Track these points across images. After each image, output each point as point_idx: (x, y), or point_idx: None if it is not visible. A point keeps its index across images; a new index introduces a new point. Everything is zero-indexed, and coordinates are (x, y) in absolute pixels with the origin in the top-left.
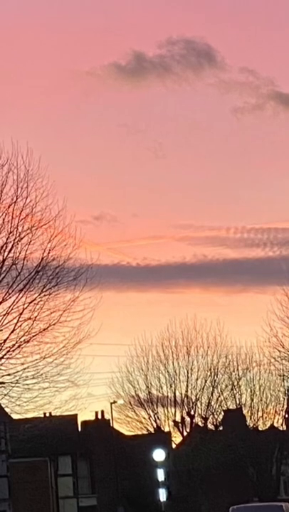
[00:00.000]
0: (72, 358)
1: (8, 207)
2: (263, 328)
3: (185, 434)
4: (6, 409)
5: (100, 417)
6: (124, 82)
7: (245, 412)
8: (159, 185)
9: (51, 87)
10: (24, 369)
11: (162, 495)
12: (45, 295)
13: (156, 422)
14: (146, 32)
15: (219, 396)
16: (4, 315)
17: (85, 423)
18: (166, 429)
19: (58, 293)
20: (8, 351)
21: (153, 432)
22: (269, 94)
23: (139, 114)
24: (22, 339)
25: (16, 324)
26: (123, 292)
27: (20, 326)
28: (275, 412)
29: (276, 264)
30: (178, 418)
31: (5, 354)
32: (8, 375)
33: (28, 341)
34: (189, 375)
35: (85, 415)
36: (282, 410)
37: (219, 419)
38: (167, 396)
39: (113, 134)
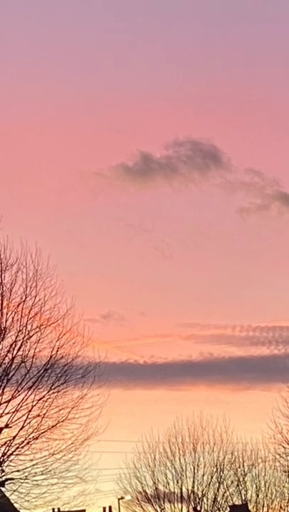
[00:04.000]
0: (81, 455)
1: (18, 306)
2: (268, 425)
3: None
4: (15, 505)
5: None
6: (131, 183)
7: (250, 507)
8: (166, 285)
9: (59, 187)
10: (33, 465)
11: None
12: (53, 392)
13: None
14: (153, 133)
15: (225, 492)
16: (14, 412)
17: None
18: None
19: (66, 390)
20: (18, 448)
21: None
22: (274, 195)
23: (146, 214)
24: (31, 436)
25: (25, 421)
26: (131, 390)
27: (30, 422)
28: (280, 507)
29: (281, 362)
30: None
31: (14, 451)
32: (18, 471)
33: (37, 438)
34: (196, 471)
35: (93, 511)
36: (287, 506)
37: None
38: (174, 492)
39: (120, 233)
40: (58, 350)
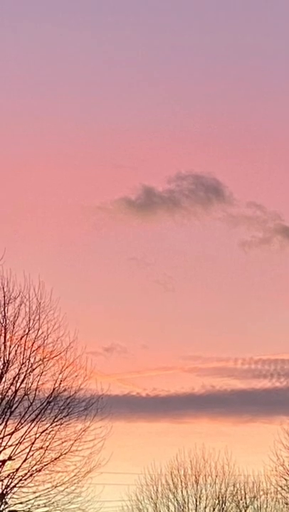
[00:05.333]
0: (83, 487)
1: (21, 338)
2: (270, 457)
3: None
4: None
5: None
6: (134, 217)
7: None
8: (168, 318)
9: (62, 221)
10: (36, 497)
11: None
12: (56, 425)
13: None
14: (155, 167)
15: None
16: (17, 444)
17: None
18: None
19: (69, 423)
20: (21, 480)
21: None
22: (276, 229)
23: (148, 248)
24: (34, 468)
25: (28, 453)
26: (133, 422)
27: (33, 455)
28: None
29: (283, 394)
30: None
31: (17, 483)
32: (21, 503)
33: (39, 470)
34: (198, 503)
35: None
36: None
37: None
38: None
39: (123, 267)
40: (60, 383)
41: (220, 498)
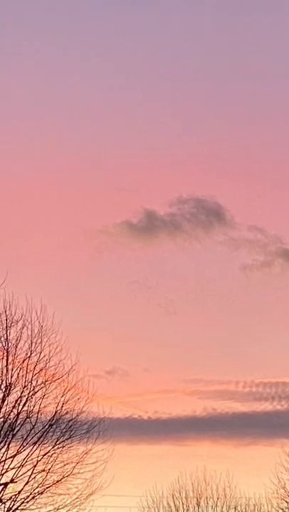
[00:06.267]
0: (86, 509)
1: (23, 361)
2: (271, 479)
3: None
4: None
5: None
6: (135, 240)
7: None
8: (169, 341)
9: (64, 244)
10: None
11: None
12: (58, 447)
13: None
14: (157, 191)
15: None
16: (19, 467)
17: None
18: None
19: (71, 446)
20: (23, 502)
21: None
22: (277, 252)
23: (150, 271)
24: (36, 491)
25: (30, 476)
26: (135, 445)
27: (35, 477)
28: None
29: (284, 417)
30: None
31: (20, 505)
32: None
33: (42, 493)
34: None
35: None
36: None
37: None
38: None
39: (125, 290)
40: (62, 406)
41: None
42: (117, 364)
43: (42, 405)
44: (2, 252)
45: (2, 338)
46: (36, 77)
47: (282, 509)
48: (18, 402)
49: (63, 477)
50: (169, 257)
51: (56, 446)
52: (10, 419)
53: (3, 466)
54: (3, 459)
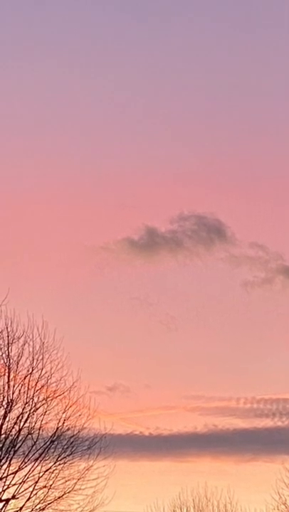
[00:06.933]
0: None
1: (24, 378)
2: (272, 496)
3: None
4: None
5: None
6: (136, 257)
7: None
8: (170, 357)
9: (65, 261)
10: None
11: None
12: (60, 464)
13: None
14: (158, 208)
15: None
16: (20, 483)
17: None
18: None
19: (72, 462)
20: None
21: None
22: (278, 269)
23: (151, 288)
24: (38, 507)
25: (31, 492)
26: (136, 461)
27: (36, 494)
28: None
29: (285, 433)
30: None
31: None
32: None
33: (43, 509)
34: None
35: None
36: None
37: None
38: None
39: (126, 307)
40: (64, 422)
41: None
42: (119, 380)
43: (43, 422)
44: (3, 269)
45: (4, 355)
46: (37, 93)
47: None
48: (20, 418)
49: (65, 493)
50: (170, 273)
51: (58, 463)
52: (11, 435)
53: (4, 482)
54: (5, 475)
